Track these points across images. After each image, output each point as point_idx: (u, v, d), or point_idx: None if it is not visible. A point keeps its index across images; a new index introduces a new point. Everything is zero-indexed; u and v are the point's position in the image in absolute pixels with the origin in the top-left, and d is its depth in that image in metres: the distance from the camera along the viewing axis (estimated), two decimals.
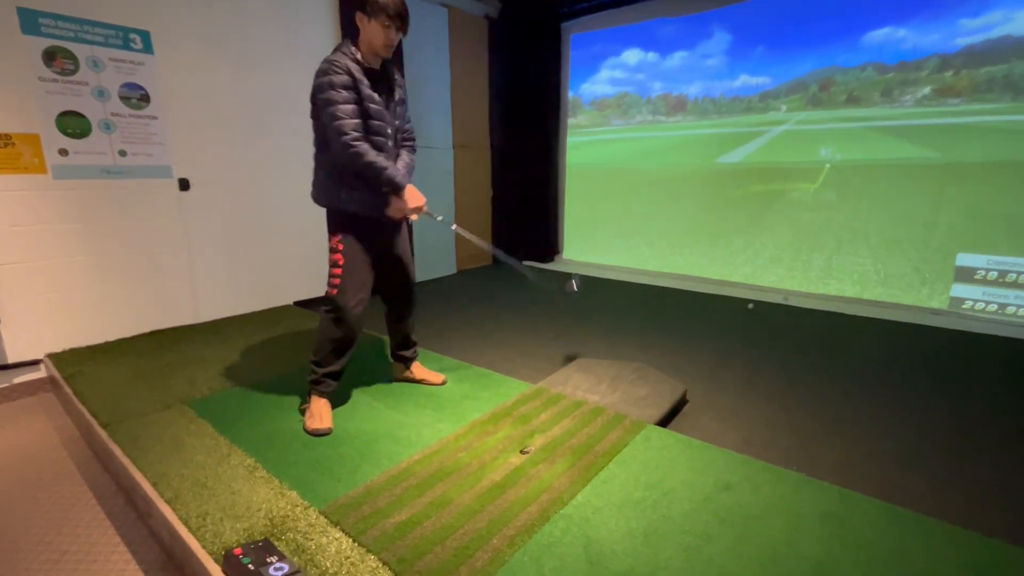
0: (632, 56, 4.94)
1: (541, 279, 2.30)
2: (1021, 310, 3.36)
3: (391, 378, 2.46)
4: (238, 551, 1.30)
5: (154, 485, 1.65)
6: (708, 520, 1.47)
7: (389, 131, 1.99)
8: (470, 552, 1.34)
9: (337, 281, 2.02)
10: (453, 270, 5.23)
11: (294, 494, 1.59)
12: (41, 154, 2.63)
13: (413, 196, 1.98)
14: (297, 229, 3.67)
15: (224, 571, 1.29)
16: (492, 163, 5.54)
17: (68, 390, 2.37)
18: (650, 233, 5.01)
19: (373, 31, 1.87)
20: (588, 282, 4.81)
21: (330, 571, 1.28)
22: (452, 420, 2.07)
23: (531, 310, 3.88)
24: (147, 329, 3.10)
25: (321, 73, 1.86)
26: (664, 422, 2.13)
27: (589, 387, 2.36)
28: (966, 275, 3.52)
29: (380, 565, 1.30)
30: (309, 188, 2.08)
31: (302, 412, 2.11)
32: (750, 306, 3.75)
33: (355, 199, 1.98)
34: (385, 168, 1.89)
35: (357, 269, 2.03)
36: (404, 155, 2.11)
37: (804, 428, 2.15)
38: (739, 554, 1.35)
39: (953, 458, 1.92)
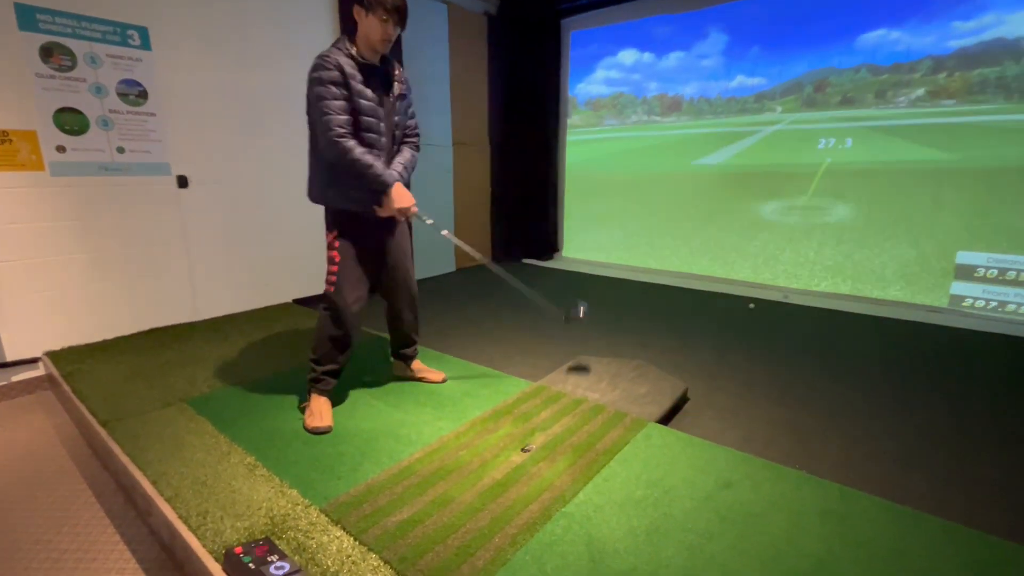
0: (628, 56, 4.93)
1: (538, 296, 2.24)
2: (1021, 308, 3.37)
3: (391, 376, 2.46)
4: (239, 550, 1.30)
5: (154, 483, 1.64)
6: (709, 518, 1.47)
7: (383, 127, 1.97)
8: (472, 551, 1.34)
9: (334, 279, 2.02)
10: (452, 268, 5.22)
11: (295, 492, 1.59)
12: (39, 151, 2.62)
13: (400, 196, 1.95)
14: (296, 227, 3.66)
15: (225, 570, 1.29)
16: (492, 161, 5.52)
17: (67, 388, 2.36)
18: (648, 231, 5.01)
19: (370, 25, 1.86)
20: (588, 280, 4.81)
21: (331, 570, 1.28)
22: (453, 418, 2.07)
23: (530, 308, 3.87)
24: (146, 327, 3.09)
25: (312, 69, 1.86)
26: (665, 420, 2.13)
27: (589, 385, 2.36)
28: (966, 273, 3.52)
29: (381, 564, 1.30)
30: (307, 183, 2.07)
31: (302, 410, 2.11)
32: (751, 306, 3.75)
33: (348, 196, 1.97)
34: (371, 166, 1.87)
35: (353, 266, 2.03)
36: (405, 151, 2.09)
37: (804, 426, 2.15)
38: (740, 552, 1.35)
39: (953, 456, 1.92)
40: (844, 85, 3.87)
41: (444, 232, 2.19)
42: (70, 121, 2.69)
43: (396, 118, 2.03)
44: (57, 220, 2.71)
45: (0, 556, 1.56)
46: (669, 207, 4.87)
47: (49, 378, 2.69)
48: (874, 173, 3.81)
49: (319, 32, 3.67)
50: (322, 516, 1.48)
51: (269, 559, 1.27)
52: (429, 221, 2.12)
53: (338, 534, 1.40)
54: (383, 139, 1.99)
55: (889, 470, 1.84)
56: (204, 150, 3.21)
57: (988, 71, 3.34)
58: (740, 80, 4.34)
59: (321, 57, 1.85)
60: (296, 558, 1.32)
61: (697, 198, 4.69)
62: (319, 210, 2.07)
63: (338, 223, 2.02)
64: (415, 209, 2.01)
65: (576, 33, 5.20)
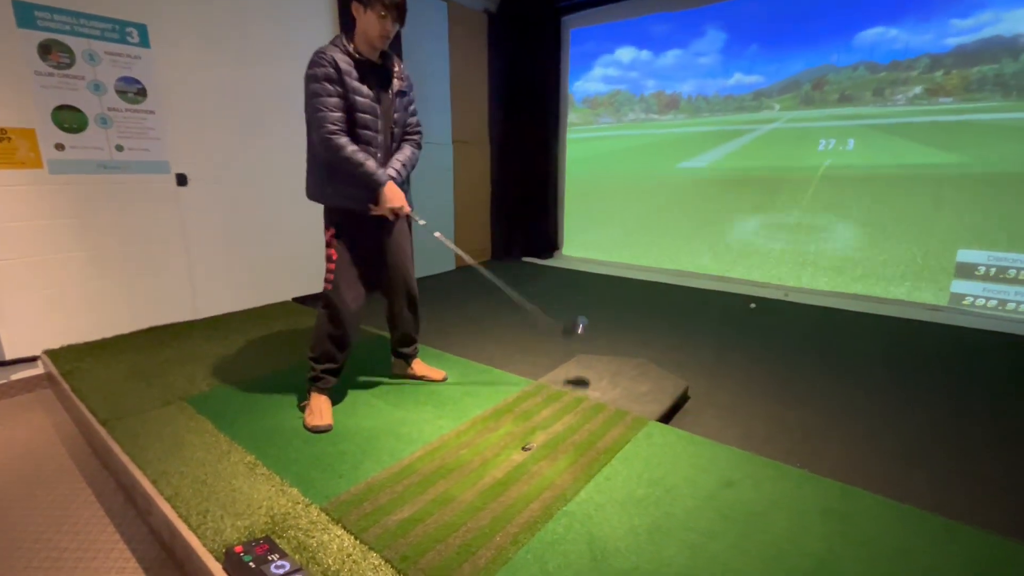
0: (626, 54, 4.93)
1: (529, 304, 2.20)
2: (1021, 306, 3.37)
3: (391, 375, 2.45)
4: (239, 549, 1.29)
5: (154, 482, 1.64)
6: (711, 517, 1.47)
7: (380, 125, 1.96)
8: (473, 550, 1.34)
9: (331, 277, 2.01)
10: (452, 266, 5.21)
11: (295, 491, 1.59)
12: (37, 149, 2.60)
13: (392, 195, 1.93)
14: (296, 225, 3.65)
15: (225, 569, 1.28)
16: (491, 159, 5.51)
17: (66, 387, 2.35)
18: (648, 229, 5.00)
19: (369, 22, 1.85)
20: (588, 279, 4.80)
21: (332, 569, 1.27)
22: (453, 417, 2.06)
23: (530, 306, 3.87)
24: (145, 325, 3.08)
25: (308, 65, 1.85)
26: (666, 419, 2.13)
27: (590, 383, 2.35)
28: (966, 271, 3.52)
29: (382, 563, 1.30)
30: (305, 181, 2.07)
31: (302, 409, 2.10)
32: (752, 306, 3.74)
33: (344, 194, 1.96)
34: (362, 164, 1.86)
35: (351, 265, 2.02)
36: (405, 148, 2.08)
37: (805, 424, 2.15)
38: (742, 551, 1.34)
39: (954, 454, 1.92)
40: (842, 83, 3.87)
41: (436, 234, 2.16)
42: (69, 119, 2.68)
43: (396, 115, 2.01)
44: (56, 218, 2.70)
45: (0, 555, 1.55)
46: (669, 205, 4.86)
47: (48, 376, 2.68)
48: (873, 171, 3.81)
49: (319, 30, 3.65)
50: (323, 515, 1.48)
51: (270, 558, 1.26)
52: (421, 222, 2.10)
53: (339, 533, 1.40)
54: (380, 136, 1.97)
55: (890, 468, 1.84)
56: (203, 148, 3.20)
57: (986, 68, 3.35)
58: (738, 78, 4.33)
59: (317, 54, 1.84)
60: (297, 557, 1.31)
61: (697, 196, 4.68)
62: (319, 208, 2.06)
63: (336, 221, 2.01)
64: (408, 208, 2.00)
65: (575, 31, 5.19)
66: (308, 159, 2.01)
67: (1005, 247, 3.38)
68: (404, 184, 2.13)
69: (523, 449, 1.81)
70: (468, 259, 2.21)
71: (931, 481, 1.76)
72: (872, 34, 3.69)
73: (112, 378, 2.41)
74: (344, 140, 1.85)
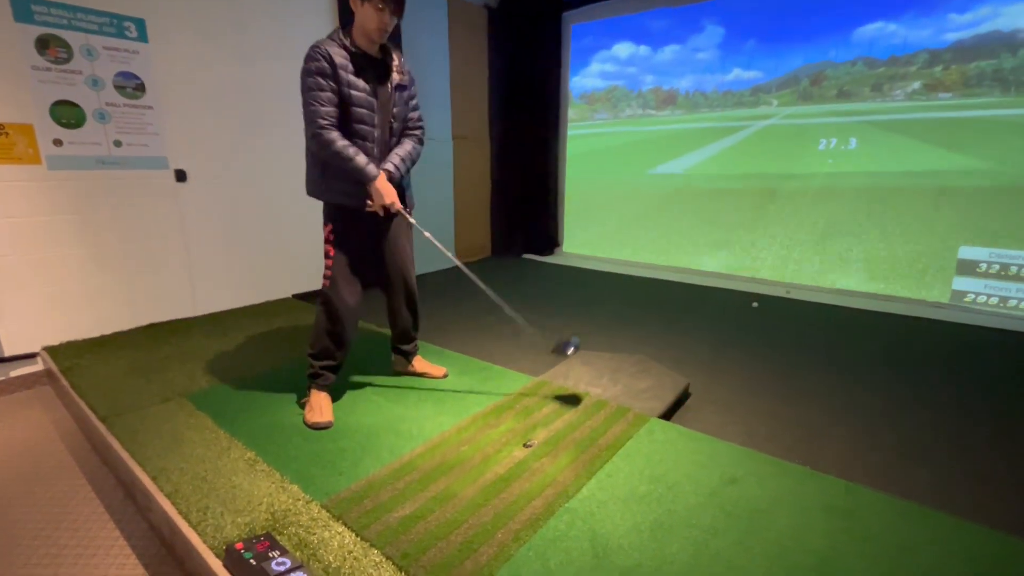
0: (623, 49, 4.90)
1: (515, 312, 2.13)
2: (1022, 303, 3.36)
3: (392, 371, 2.44)
4: (239, 545, 1.29)
5: (153, 479, 1.63)
6: (714, 514, 1.46)
7: (377, 119, 1.94)
8: (475, 547, 1.33)
9: (329, 273, 2.00)
10: (453, 263, 5.19)
11: (295, 488, 1.58)
12: (35, 144, 2.59)
13: (383, 190, 1.90)
14: (296, 221, 3.64)
15: (225, 566, 1.27)
16: (492, 155, 5.49)
17: (65, 383, 2.34)
18: (647, 226, 4.99)
19: (366, 15, 1.83)
20: (588, 276, 4.79)
21: (333, 566, 1.27)
22: (454, 413, 2.06)
23: (530, 303, 3.86)
24: (144, 322, 3.07)
25: (304, 60, 1.84)
26: (667, 415, 2.12)
27: (590, 380, 2.35)
28: (968, 268, 3.51)
29: (383, 560, 1.29)
30: (305, 178, 2.05)
31: (302, 406, 2.09)
32: (755, 304, 3.73)
33: (338, 190, 1.94)
34: (351, 159, 1.84)
35: (349, 262, 2.01)
36: (406, 143, 2.06)
37: (807, 421, 2.14)
38: (745, 548, 1.34)
39: (956, 451, 1.92)
40: (840, 78, 3.86)
41: (426, 234, 2.12)
42: (67, 114, 2.67)
43: (395, 109, 1.99)
44: (55, 214, 2.69)
45: (0, 551, 1.55)
46: (668, 201, 4.85)
47: (48, 373, 2.67)
48: (873, 168, 3.80)
49: (318, 25, 3.63)
50: (323, 512, 1.47)
51: (270, 555, 1.25)
52: (412, 220, 2.07)
53: (339, 530, 1.39)
54: (377, 131, 1.96)
55: (892, 465, 1.83)
56: (202, 144, 3.19)
57: (984, 64, 3.34)
58: (736, 73, 4.32)
59: (311, 48, 1.83)
60: (297, 554, 1.31)
61: (696, 192, 4.67)
62: (319, 204, 2.05)
63: (334, 218, 2.00)
64: (399, 205, 1.96)
65: (576, 26, 5.16)
66: (307, 155, 2.00)
67: (1007, 244, 3.37)
68: (404, 179, 2.12)
69: (524, 446, 1.80)
70: (456, 261, 2.17)
71: (933, 478, 1.76)
72: (871, 29, 3.67)
73: (111, 375, 2.40)
74: (334, 134, 1.83)
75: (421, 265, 2.33)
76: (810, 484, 1.59)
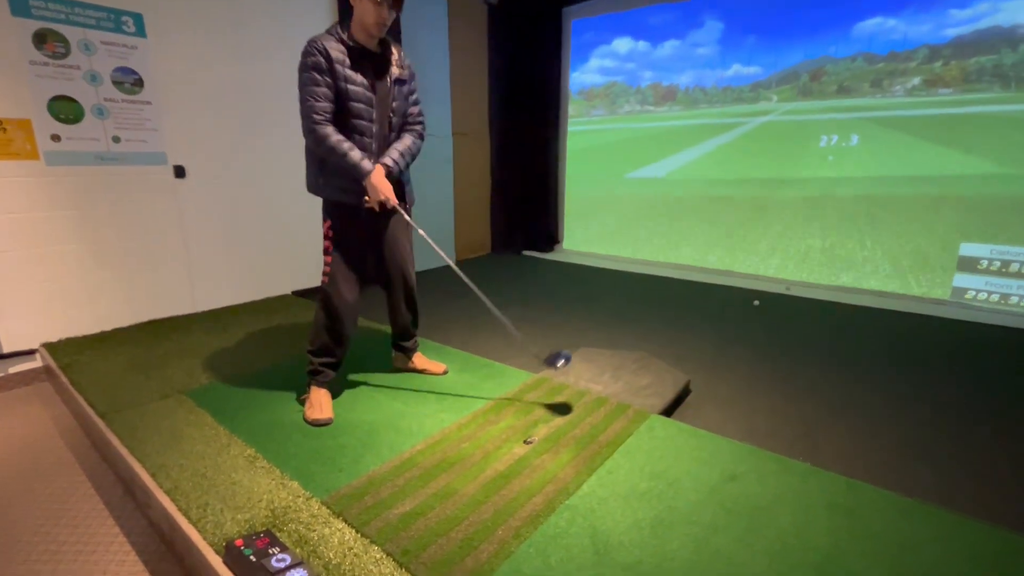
0: (623, 45, 4.88)
1: (504, 318, 2.07)
2: (1023, 301, 3.36)
3: (392, 368, 2.44)
4: (239, 542, 1.28)
5: (153, 476, 1.62)
6: (715, 511, 1.46)
7: (375, 114, 1.93)
8: (475, 543, 1.33)
9: (328, 270, 2.00)
10: (452, 260, 5.19)
11: (295, 484, 1.57)
12: (33, 140, 2.58)
13: (378, 186, 1.87)
14: (295, 217, 3.63)
15: (225, 563, 1.27)
16: (492, 151, 5.48)
17: (64, 380, 2.34)
18: (648, 223, 4.98)
19: (364, 9, 1.82)
20: (588, 272, 4.78)
21: (333, 562, 1.26)
22: (454, 410, 2.05)
23: (530, 300, 3.86)
24: (144, 319, 3.07)
25: (301, 55, 1.83)
26: (667, 412, 2.12)
27: (591, 377, 2.34)
28: (969, 265, 3.50)
29: (384, 556, 1.29)
30: (305, 175, 2.04)
31: (301, 402, 2.09)
32: (756, 303, 3.71)
33: (335, 186, 1.93)
34: (346, 153, 1.83)
35: (348, 258, 2.00)
36: (406, 137, 2.04)
37: (808, 418, 2.14)
38: (747, 545, 1.33)
39: (958, 448, 1.91)
40: (840, 74, 3.85)
41: (420, 231, 2.08)
42: (64, 109, 2.65)
43: (394, 104, 1.98)
44: (53, 210, 2.67)
45: None
46: (669, 198, 4.83)
47: (47, 370, 2.66)
48: (874, 164, 3.78)
49: (318, 20, 3.61)
50: (323, 508, 1.46)
51: (270, 551, 1.25)
52: (407, 217, 2.04)
53: (340, 526, 1.39)
54: (375, 126, 1.94)
55: (894, 462, 1.83)
56: (201, 140, 3.17)
57: (984, 59, 3.33)
58: (736, 69, 4.30)
59: (308, 42, 1.82)
60: (297, 550, 1.30)
61: (697, 188, 4.66)
62: (318, 200, 2.04)
63: (333, 214, 1.99)
64: (394, 200, 1.93)
65: (578, 21, 5.14)
66: (306, 152, 1.99)
67: (1008, 240, 3.36)
68: (404, 175, 2.10)
69: (525, 442, 1.80)
70: (448, 261, 2.15)
71: (935, 475, 1.75)
72: (870, 24, 3.66)
73: (111, 371, 2.40)
74: (328, 129, 1.82)
75: (421, 262, 2.32)
76: (811, 481, 1.59)
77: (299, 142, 2.06)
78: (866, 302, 3.73)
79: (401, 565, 1.26)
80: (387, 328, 2.45)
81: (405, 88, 2.01)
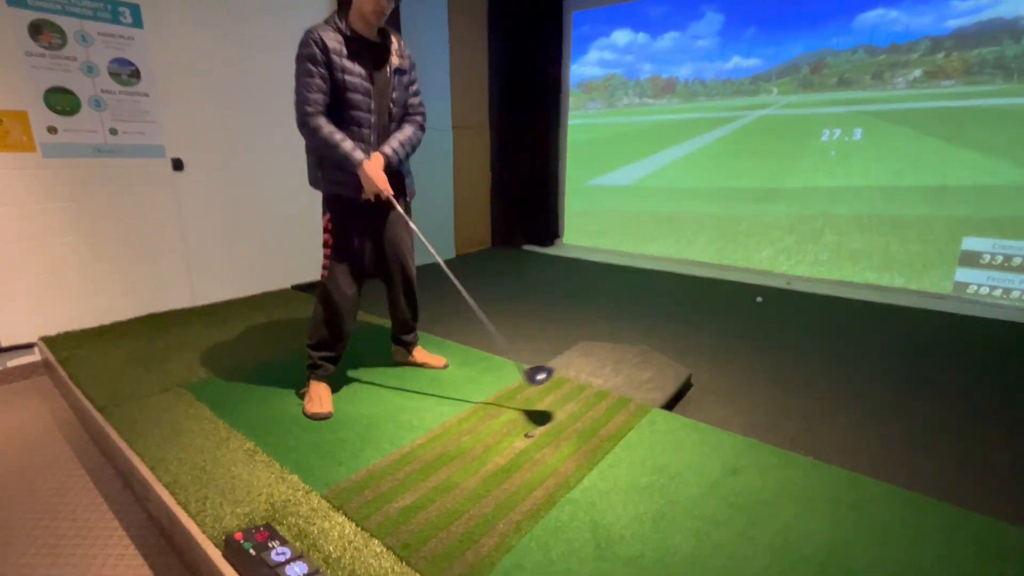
0: (622, 37, 4.84)
1: (490, 323, 2.03)
2: None
3: (392, 362, 2.43)
4: (239, 536, 1.27)
5: (152, 469, 1.62)
6: (717, 505, 1.45)
7: (373, 105, 1.90)
8: (476, 537, 1.32)
9: (327, 264, 1.98)
10: (452, 254, 5.17)
11: (295, 478, 1.57)
12: (29, 132, 2.55)
13: (372, 177, 1.83)
14: (295, 211, 3.61)
15: (225, 556, 1.26)
16: (492, 145, 5.45)
17: (63, 373, 2.33)
18: (648, 218, 4.96)
19: None
20: (589, 267, 4.77)
21: (333, 556, 1.26)
22: (454, 404, 2.04)
23: (531, 295, 3.84)
24: (142, 312, 3.05)
25: (298, 45, 1.81)
26: (669, 406, 2.11)
27: (592, 370, 2.33)
28: (971, 259, 3.49)
29: (384, 550, 1.28)
30: (306, 168, 2.02)
31: (301, 396, 2.08)
32: (759, 300, 3.69)
33: (333, 179, 1.91)
34: (337, 144, 1.80)
35: (346, 252, 1.99)
36: (406, 128, 2.01)
37: (809, 412, 2.13)
38: (749, 539, 1.33)
39: (960, 443, 1.91)
40: (841, 66, 3.82)
41: (411, 225, 2.05)
42: (61, 101, 2.63)
43: (394, 94, 1.95)
44: (50, 202, 2.65)
45: None
46: (669, 192, 4.81)
47: (45, 363, 2.65)
48: (875, 158, 3.76)
49: (318, 8, 3.57)
50: (323, 502, 1.46)
51: (270, 545, 1.24)
52: (399, 208, 1.99)
53: (340, 520, 1.38)
54: (373, 117, 1.91)
55: (896, 456, 1.82)
56: (200, 132, 3.15)
57: (987, 51, 3.30)
58: (736, 61, 4.27)
59: (305, 33, 1.80)
60: (297, 544, 1.29)
61: (696, 182, 4.63)
62: (318, 193, 2.02)
63: (332, 207, 1.97)
64: (389, 192, 1.90)
65: (579, 13, 5.10)
66: (306, 145, 1.97)
67: (1011, 235, 3.35)
68: (404, 166, 2.09)
69: (525, 436, 1.79)
70: (437, 258, 2.13)
71: (938, 469, 1.75)
72: (872, 16, 3.63)
73: (109, 365, 2.39)
74: (320, 120, 1.80)
75: (421, 256, 2.30)
76: (814, 475, 1.58)
77: (299, 135, 2.04)
78: (867, 296, 3.72)
79: (402, 559, 1.25)
80: (387, 322, 2.44)
81: (405, 78, 1.99)
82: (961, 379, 2.43)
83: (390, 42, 1.94)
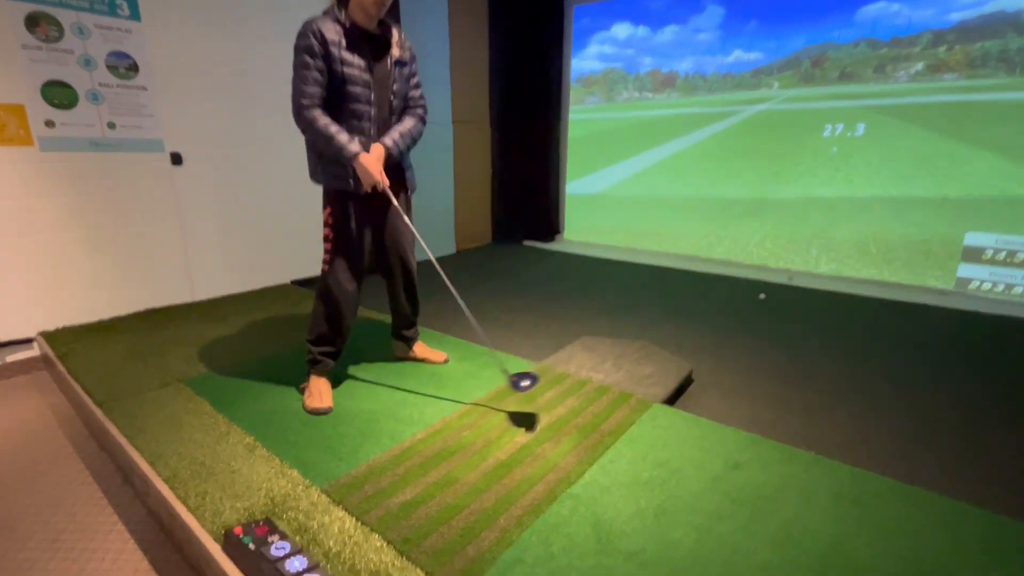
0: (622, 30, 4.81)
1: (478, 326, 2.02)
2: None
3: (392, 357, 2.42)
4: (238, 530, 1.27)
5: (151, 464, 1.61)
6: (719, 500, 1.45)
7: (373, 97, 1.88)
8: (477, 532, 1.31)
9: (327, 258, 1.97)
10: (452, 250, 5.16)
11: (295, 473, 1.56)
12: (27, 125, 2.54)
13: (368, 168, 1.80)
14: (295, 206, 3.59)
15: (224, 550, 1.26)
16: (492, 140, 5.42)
17: (62, 368, 2.32)
18: (648, 213, 4.94)
19: None
20: (590, 263, 4.76)
21: (333, 551, 1.25)
22: (455, 399, 2.03)
23: (531, 289, 3.83)
24: (141, 307, 3.04)
25: (296, 37, 1.79)
26: (670, 401, 2.10)
27: (593, 366, 2.32)
28: (973, 255, 3.47)
29: (384, 544, 1.27)
30: (306, 162, 2.01)
31: (301, 391, 2.07)
32: (762, 297, 3.68)
33: (332, 173, 1.89)
34: (332, 136, 1.77)
35: (347, 247, 1.97)
36: (407, 119, 1.99)
37: (811, 407, 2.13)
38: (751, 534, 1.32)
39: (962, 438, 1.90)
40: (843, 60, 3.79)
41: (406, 219, 2.02)
42: (59, 95, 2.61)
43: (395, 86, 1.93)
44: (48, 197, 2.64)
45: None
46: (670, 187, 4.79)
47: (44, 358, 2.64)
48: (877, 152, 3.74)
49: (317, 0, 3.55)
50: (323, 497, 1.45)
51: (270, 539, 1.24)
52: (394, 202, 1.95)
53: (340, 515, 1.38)
54: (374, 110, 1.90)
55: (899, 451, 1.82)
56: (198, 126, 3.13)
57: (990, 44, 3.27)
58: (737, 55, 4.24)
59: (304, 24, 1.78)
60: (297, 538, 1.29)
61: (696, 178, 4.61)
62: (318, 188, 2.00)
63: (333, 201, 1.95)
64: (385, 182, 1.86)
65: (580, 7, 5.06)
66: (306, 139, 1.95)
67: (1014, 230, 3.33)
68: (404, 159, 2.07)
69: (526, 431, 1.78)
70: (430, 254, 2.11)
71: (940, 465, 1.74)
72: (874, 9, 3.60)
73: (109, 360, 2.38)
74: (316, 113, 1.78)
75: (421, 252, 2.29)
76: (816, 470, 1.57)
77: (299, 130, 2.03)
78: (868, 292, 3.71)
79: (402, 553, 1.24)
80: (387, 317, 2.43)
81: (406, 70, 1.97)
82: (963, 375, 2.42)
83: (390, 34, 1.92)
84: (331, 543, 1.27)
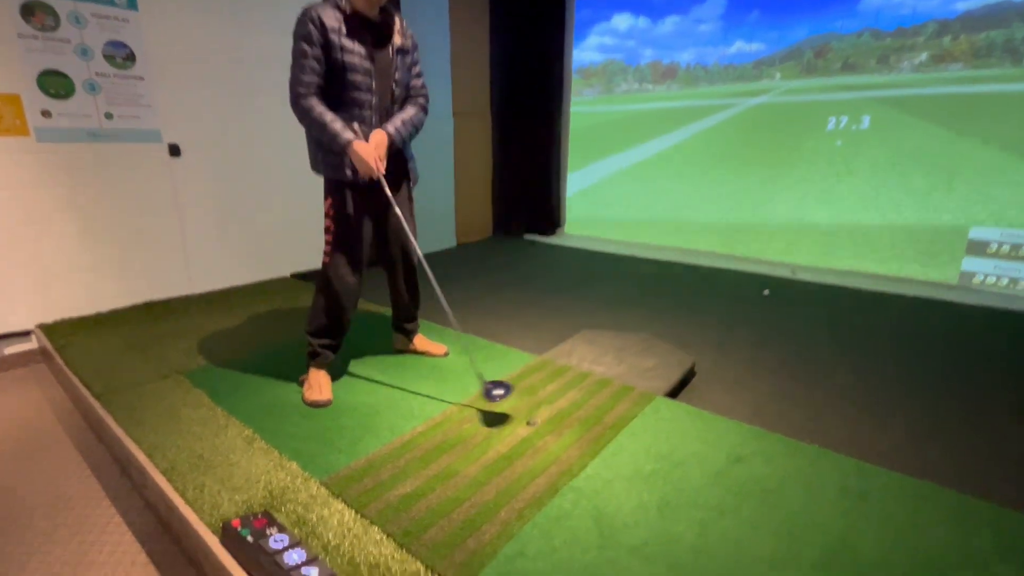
0: (622, 21, 4.75)
1: (461, 329, 2.00)
2: None
3: (392, 350, 2.40)
4: (236, 523, 1.25)
5: (149, 456, 1.60)
6: (722, 493, 1.43)
7: (375, 85, 1.85)
8: (477, 525, 1.30)
9: (328, 250, 1.95)
10: (453, 243, 5.13)
11: (294, 465, 1.55)
12: (23, 115, 2.51)
13: (362, 155, 1.75)
14: (295, 197, 3.57)
15: (223, 543, 1.25)
16: (493, 132, 5.38)
17: (60, 361, 2.31)
18: (649, 206, 4.91)
19: None
20: (591, 257, 4.73)
21: (332, 543, 1.24)
22: (455, 392, 2.02)
23: (532, 283, 3.81)
24: (139, 300, 3.02)
25: (295, 24, 1.76)
26: (673, 394, 2.08)
27: (595, 359, 2.31)
28: (978, 248, 3.44)
29: (384, 537, 1.26)
30: (306, 154, 1.98)
31: (301, 383, 2.06)
32: (766, 292, 3.65)
33: (333, 163, 1.87)
34: (327, 124, 1.74)
35: (348, 238, 1.95)
36: (408, 108, 1.96)
37: (815, 400, 2.11)
38: (755, 527, 1.30)
39: (967, 431, 1.88)
40: (846, 50, 3.75)
41: (397, 210, 1.96)
42: (55, 84, 2.58)
43: (396, 75, 1.90)
44: (45, 188, 2.62)
45: None
46: (670, 181, 4.76)
47: (42, 351, 2.63)
48: (881, 145, 3.70)
49: None
50: (322, 489, 1.44)
51: (268, 532, 1.22)
52: (388, 193, 1.89)
53: (339, 508, 1.36)
54: (374, 98, 1.86)
55: (904, 445, 1.80)
56: (197, 117, 3.10)
57: (995, 34, 3.22)
58: (739, 46, 4.19)
59: (303, 11, 1.75)
60: (296, 531, 1.27)
61: (697, 171, 4.58)
62: (318, 180, 1.98)
63: (333, 192, 1.93)
64: (380, 171, 1.81)
65: None
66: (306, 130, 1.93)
67: (1019, 223, 3.30)
68: (406, 149, 2.04)
69: (527, 424, 1.76)
70: (418, 251, 2.07)
71: (947, 459, 1.72)
72: None
73: (107, 352, 2.36)
74: (312, 101, 1.75)
75: (422, 245, 2.26)
76: (821, 464, 1.56)
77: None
78: (872, 285, 3.68)
79: (402, 546, 1.23)
80: (387, 310, 2.41)
81: (408, 59, 1.94)
82: (969, 368, 2.40)
83: (392, 21, 1.89)
84: (330, 536, 1.26)
